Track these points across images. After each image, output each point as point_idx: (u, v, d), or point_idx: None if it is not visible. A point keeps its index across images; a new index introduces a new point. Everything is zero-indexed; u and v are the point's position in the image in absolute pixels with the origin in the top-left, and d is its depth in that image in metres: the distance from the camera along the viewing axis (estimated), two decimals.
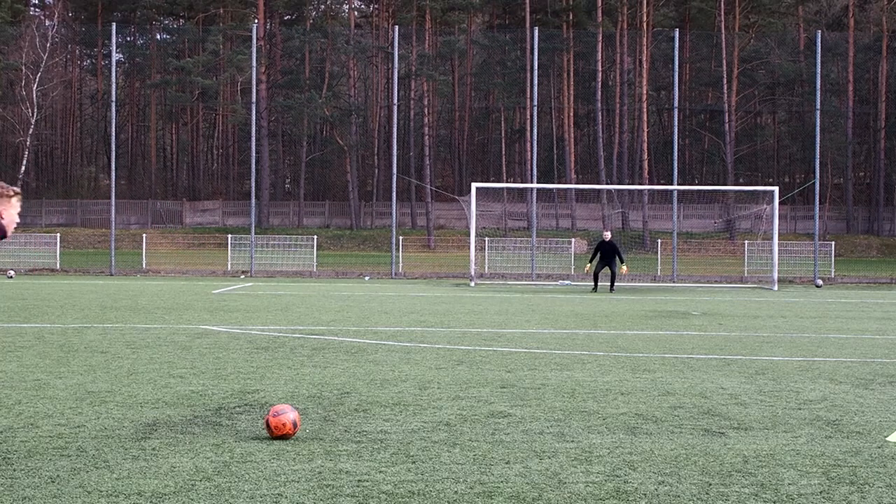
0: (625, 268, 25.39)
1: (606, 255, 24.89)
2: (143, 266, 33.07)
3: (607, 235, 25.44)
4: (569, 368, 9.94)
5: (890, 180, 61.73)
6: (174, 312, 16.37)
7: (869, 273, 34.65)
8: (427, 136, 58.53)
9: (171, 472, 5.50)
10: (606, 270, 25.24)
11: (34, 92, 55.65)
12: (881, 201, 59.73)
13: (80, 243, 48.17)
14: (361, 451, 6.06)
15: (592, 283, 25.40)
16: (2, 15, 57.79)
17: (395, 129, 35.19)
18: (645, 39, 58.68)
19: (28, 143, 56.32)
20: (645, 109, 59.55)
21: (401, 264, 32.70)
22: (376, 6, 67.99)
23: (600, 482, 5.41)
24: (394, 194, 33.50)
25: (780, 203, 30.56)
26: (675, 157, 33.73)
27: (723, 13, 59.57)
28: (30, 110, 55.99)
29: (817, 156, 33.27)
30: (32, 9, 71.64)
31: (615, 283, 25.25)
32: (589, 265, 25.41)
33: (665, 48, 60.26)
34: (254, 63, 35.64)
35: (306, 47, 63.64)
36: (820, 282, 29.82)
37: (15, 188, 5.90)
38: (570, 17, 61.64)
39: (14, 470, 5.50)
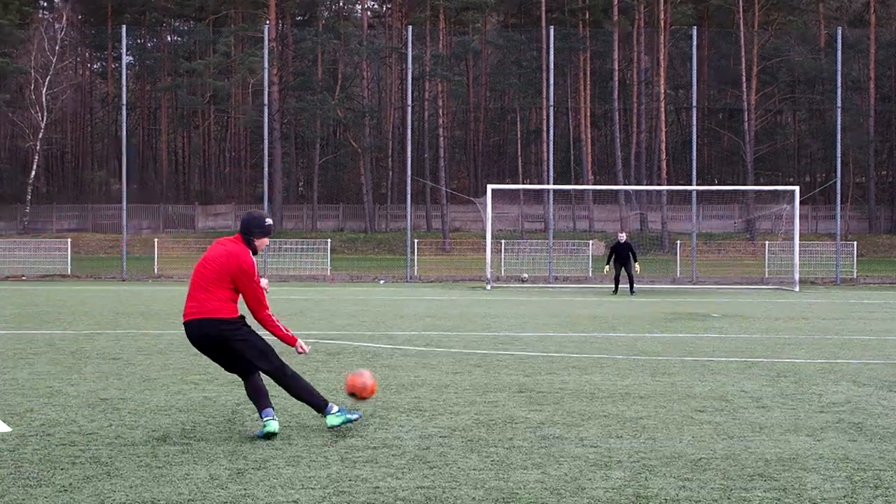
0: (637, 266, 24.94)
1: (622, 256, 24.68)
2: (156, 271, 33.02)
3: (622, 237, 25.21)
4: (587, 372, 9.85)
5: None
6: None
7: (892, 273, 34.31)
8: (442, 138, 58.40)
9: (185, 479, 5.44)
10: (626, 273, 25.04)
11: (44, 96, 55.45)
12: None
13: (92, 248, 48.22)
14: (377, 457, 5.99)
15: (613, 286, 25.20)
16: (10, 18, 57.72)
17: (409, 131, 35.14)
18: (662, 37, 58.34)
19: (38, 147, 55.84)
20: (663, 109, 59.20)
21: (416, 267, 32.61)
22: (389, 6, 67.97)
23: (620, 487, 5.33)
24: (408, 197, 33.40)
25: (801, 203, 30.27)
26: (694, 157, 33.52)
27: (741, 10, 59.15)
28: (39, 114, 55.72)
29: (838, 154, 32.98)
30: (41, 11, 71.54)
31: (634, 285, 25.03)
32: (607, 267, 25.17)
33: (683, 46, 59.91)
34: (266, 65, 35.61)
35: (319, 48, 63.59)
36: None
37: None
38: (587, 16, 61.41)
39: (27, 478, 5.45)
